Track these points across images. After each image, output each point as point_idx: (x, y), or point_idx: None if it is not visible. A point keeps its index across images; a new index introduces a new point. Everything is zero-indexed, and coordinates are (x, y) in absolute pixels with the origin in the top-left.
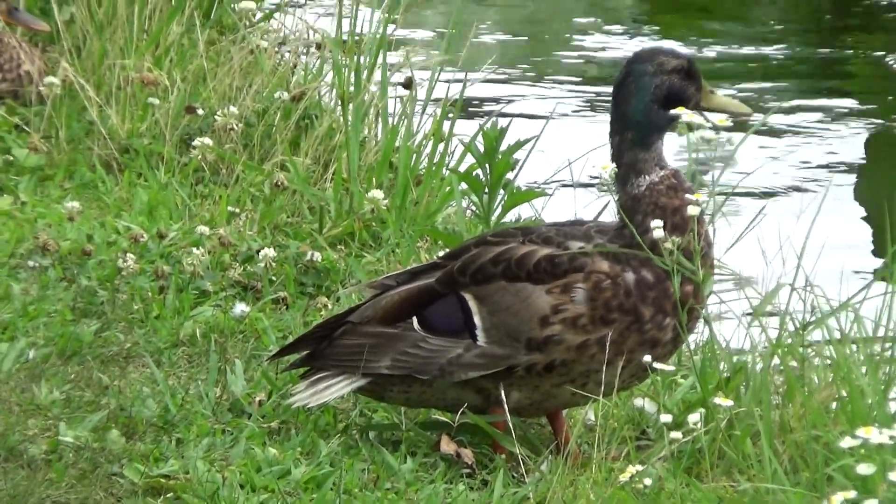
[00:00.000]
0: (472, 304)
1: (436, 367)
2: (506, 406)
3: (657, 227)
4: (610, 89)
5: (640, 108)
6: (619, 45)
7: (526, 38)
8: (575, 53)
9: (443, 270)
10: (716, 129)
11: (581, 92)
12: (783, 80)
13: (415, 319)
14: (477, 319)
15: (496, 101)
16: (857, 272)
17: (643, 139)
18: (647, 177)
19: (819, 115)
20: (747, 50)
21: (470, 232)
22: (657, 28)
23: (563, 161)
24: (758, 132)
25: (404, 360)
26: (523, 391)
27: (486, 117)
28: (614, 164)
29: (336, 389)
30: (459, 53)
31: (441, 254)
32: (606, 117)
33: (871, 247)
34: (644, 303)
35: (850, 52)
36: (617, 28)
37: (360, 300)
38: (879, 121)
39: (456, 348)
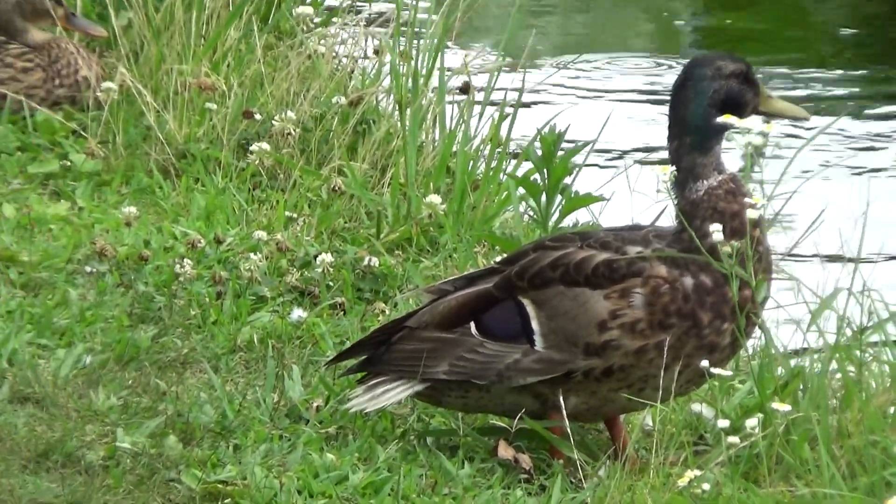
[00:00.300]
0: (529, 308)
1: (493, 372)
2: (563, 411)
3: (716, 231)
4: (667, 94)
5: (699, 112)
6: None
7: (583, 43)
8: (631, 58)
9: (500, 275)
10: (765, 135)
11: (640, 95)
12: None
13: (472, 324)
14: (535, 324)
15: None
16: None
17: (702, 143)
18: (705, 181)
19: (880, 121)
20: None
21: (527, 237)
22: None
23: (622, 165)
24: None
25: (462, 365)
26: (581, 396)
27: (545, 123)
28: (673, 168)
29: (393, 394)
30: (518, 59)
31: (499, 259)
32: (664, 121)
33: None
34: (702, 308)
35: None
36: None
37: (418, 305)
38: None
39: (514, 353)
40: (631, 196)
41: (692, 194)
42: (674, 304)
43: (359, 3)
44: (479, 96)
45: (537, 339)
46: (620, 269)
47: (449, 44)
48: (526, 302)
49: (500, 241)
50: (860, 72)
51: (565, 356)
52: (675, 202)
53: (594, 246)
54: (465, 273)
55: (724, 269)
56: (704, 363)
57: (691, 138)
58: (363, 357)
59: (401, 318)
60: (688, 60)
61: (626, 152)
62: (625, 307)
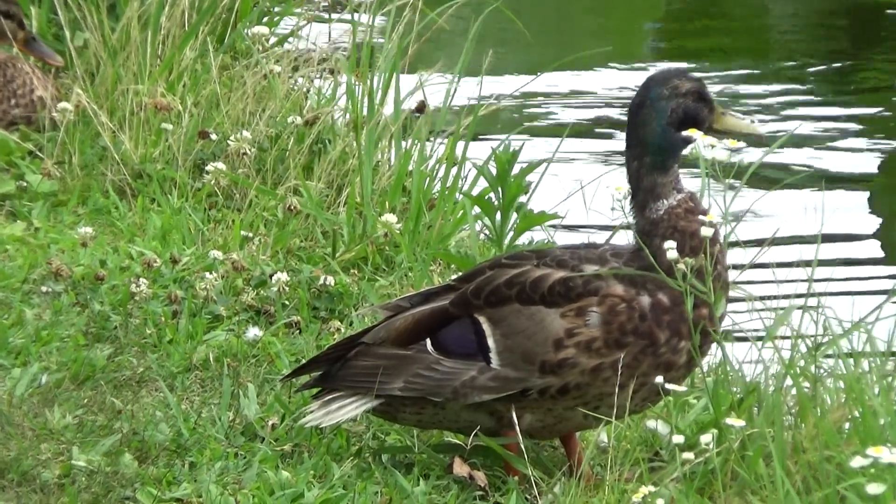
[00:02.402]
0: (485, 326)
1: (449, 389)
2: (518, 428)
3: (671, 248)
4: (623, 116)
5: (658, 131)
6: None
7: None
8: (588, 81)
9: (457, 293)
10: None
11: (594, 118)
12: (798, 95)
13: (428, 341)
14: (491, 342)
15: (509, 125)
16: (869, 291)
17: (663, 163)
18: (665, 201)
19: (831, 132)
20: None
21: (483, 255)
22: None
23: (576, 184)
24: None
25: (417, 382)
26: (536, 414)
27: (500, 142)
28: (630, 189)
29: (349, 410)
30: (476, 79)
31: (455, 276)
32: (620, 142)
33: (884, 266)
34: (659, 326)
35: (868, 72)
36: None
37: (374, 322)
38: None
39: (469, 371)
40: (587, 214)
41: (652, 214)
42: (630, 323)
43: (316, 22)
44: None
45: (493, 356)
46: (576, 287)
47: (404, 67)
48: (482, 319)
49: (455, 259)
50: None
51: (521, 374)
52: (635, 222)
53: (550, 264)
54: (422, 290)
55: (680, 286)
56: (659, 379)
57: (651, 158)
58: (319, 373)
59: (357, 335)
60: (643, 80)
61: (581, 172)
62: (581, 326)
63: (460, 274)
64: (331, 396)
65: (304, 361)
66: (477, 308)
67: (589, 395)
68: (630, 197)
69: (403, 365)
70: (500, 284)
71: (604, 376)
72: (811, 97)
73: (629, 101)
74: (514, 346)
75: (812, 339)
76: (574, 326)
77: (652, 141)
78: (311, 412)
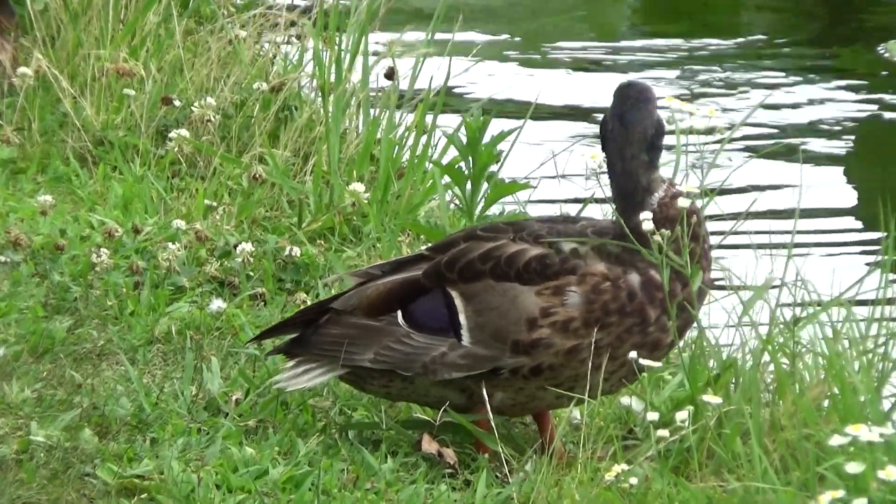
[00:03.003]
0: (458, 301)
1: (419, 364)
2: (488, 405)
3: (646, 220)
4: (594, 83)
5: (651, 127)
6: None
7: (513, 32)
8: (564, 46)
9: (430, 263)
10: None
11: (569, 86)
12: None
13: (399, 314)
14: (462, 318)
15: (481, 92)
16: (848, 264)
17: (655, 158)
18: (657, 194)
19: (810, 104)
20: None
21: (453, 226)
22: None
23: (549, 153)
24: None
25: (387, 355)
26: (507, 392)
27: (470, 108)
28: (621, 192)
29: (316, 375)
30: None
31: (427, 246)
32: (593, 105)
33: (863, 237)
34: (652, 303)
35: (844, 48)
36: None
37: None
38: (872, 107)
39: (440, 346)
40: (559, 184)
41: (649, 209)
42: (615, 303)
43: None
44: (405, 83)
45: (464, 333)
46: (553, 265)
47: (374, 30)
48: (454, 294)
49: (425, 230)
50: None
51: (492, 352)
52: (626, 220)
53: (527, 239)
54: (393, 258)
55: (656, 258)
56: (633, 354)
57: (650, 155)
58: (290, 337)
59: (327, 300)
60: (620, 86)
61: (554, 140)
62: (557, 305)
63: (434, 244)
64: (299, 361)
65: (270, 325)
66: (450, 282)
67: (563, 377)
68: (623, 199)
69: (374, 336)
70: (474, 258)
71: (580, 358)
72: (785, 74)
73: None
74: (486, 323)
75: (791, 313)
76: (550, 305)
77: (647, 138)
78: (281, 375)
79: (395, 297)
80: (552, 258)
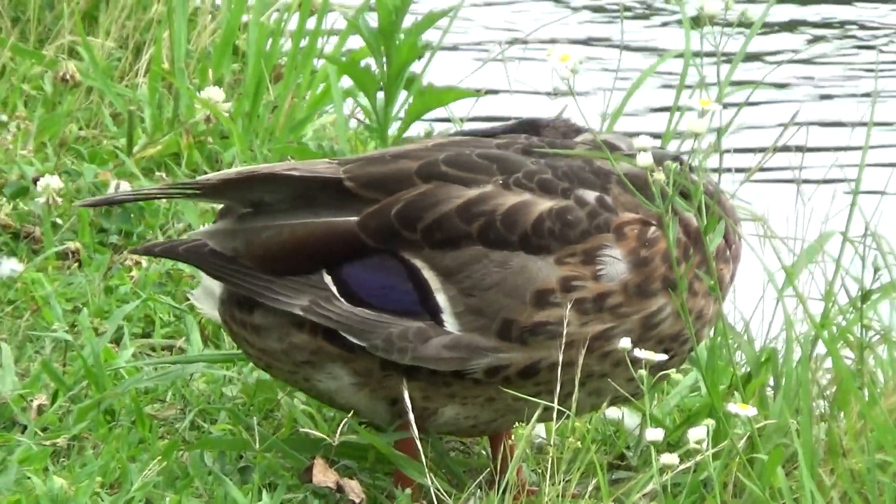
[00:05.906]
0: (430, 277)
1: (380, 336)
2: (412, 420)
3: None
4: None
5: None
6: None
7: None
8: None
9: (367, 207)
10: None
11: None
12: None
13: (328, 278)
14: (442, 300)
15: None
16: None
17: None
18: None
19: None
20: None
21: (355, 151)
22: None
23: (497, 49)
24: None
25: (330, 310)
26: (469, 406)
27: None
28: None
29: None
30: None
31: (346, 158)
32: None
33: None
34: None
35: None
36: None
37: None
38: None
39: (411, 324)
40: (510, 93)
41: None
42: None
43: None
44: None
45: (447, 318)
46: (580, 222)
47: None
48: (420, 266)
49: (314, 157)
50: None
51: (494, 342)
52: None
53: (526, 185)
54: (293, 164)
55: (656, 206)
56: (626, 342)
57: None
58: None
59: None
60: None
61: (504, 30)
62: (588, 278)
63: (353, 160)
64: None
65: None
66: (411, 246)
67: (563, 380)
68: None
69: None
70: (448, 213)
71: (604, 350)
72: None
73: None
74: (484, 306)
75: (857, 284)
76: (575, 276)
77: None
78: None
79: (313, 251)
80: (577, 214)
